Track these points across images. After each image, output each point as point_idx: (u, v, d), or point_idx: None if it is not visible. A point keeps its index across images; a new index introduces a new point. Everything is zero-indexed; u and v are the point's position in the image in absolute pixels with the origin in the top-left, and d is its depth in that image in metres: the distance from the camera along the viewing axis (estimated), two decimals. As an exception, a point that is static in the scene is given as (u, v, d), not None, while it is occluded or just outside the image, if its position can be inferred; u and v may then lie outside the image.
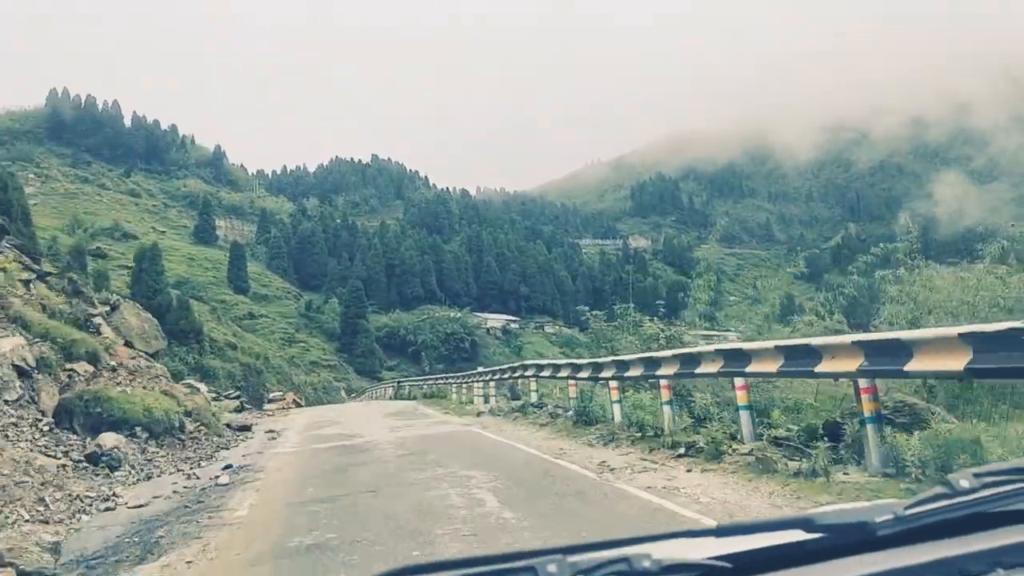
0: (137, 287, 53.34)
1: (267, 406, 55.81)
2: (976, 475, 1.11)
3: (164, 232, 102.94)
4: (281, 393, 53.74)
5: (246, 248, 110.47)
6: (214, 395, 27.41)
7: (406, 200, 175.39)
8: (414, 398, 35.86)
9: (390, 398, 44.66)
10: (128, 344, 18.43)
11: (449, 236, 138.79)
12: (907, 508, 1.05)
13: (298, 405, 55.58)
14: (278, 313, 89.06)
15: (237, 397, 31.88)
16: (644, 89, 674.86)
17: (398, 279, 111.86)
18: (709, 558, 0.95)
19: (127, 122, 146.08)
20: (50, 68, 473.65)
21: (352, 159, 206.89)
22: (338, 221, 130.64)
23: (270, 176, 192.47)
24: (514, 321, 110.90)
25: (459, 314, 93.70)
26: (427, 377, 45.11)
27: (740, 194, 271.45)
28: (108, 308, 20.26)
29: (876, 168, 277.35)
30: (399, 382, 50.34)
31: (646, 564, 0.90)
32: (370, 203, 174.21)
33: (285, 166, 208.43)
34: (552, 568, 0.87)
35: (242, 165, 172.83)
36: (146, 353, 19.05)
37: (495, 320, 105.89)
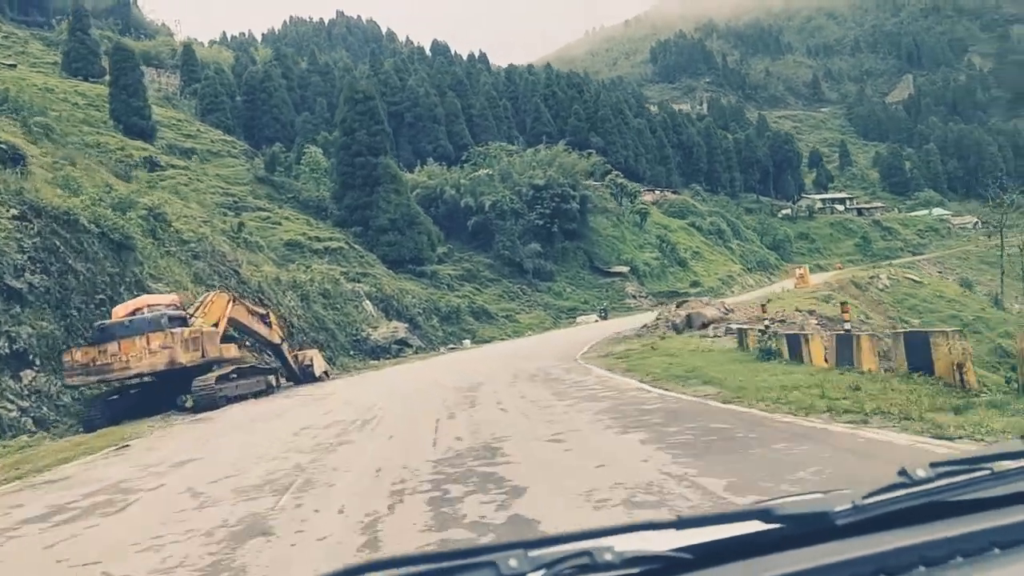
0: None
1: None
2: (932, 465, 1.11)
3: (15, 66, 60.80)
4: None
5: (164, 100, 69.06)
6: None
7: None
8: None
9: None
10: None
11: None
12: (865, 497, 1.03)
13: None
14: (217, 176, 48.66)
15: None
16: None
17: (409, 130, 71.31)
18: (670, 550, 0.93)
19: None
20: None
21: (312, 19, 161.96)
22: (304, 65, 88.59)
23: (206, 45, 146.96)
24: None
25: (552, 150, 53.42)
26: None
27: (777, 50, 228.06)
28: None
29: (929, 10, 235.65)
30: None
31: (608, 557, 0.88)
32: (339, 67, 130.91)
33: (225, 32, 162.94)
34: (513, 563, 0.85)
35: (163, 23, 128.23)
36: None
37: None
